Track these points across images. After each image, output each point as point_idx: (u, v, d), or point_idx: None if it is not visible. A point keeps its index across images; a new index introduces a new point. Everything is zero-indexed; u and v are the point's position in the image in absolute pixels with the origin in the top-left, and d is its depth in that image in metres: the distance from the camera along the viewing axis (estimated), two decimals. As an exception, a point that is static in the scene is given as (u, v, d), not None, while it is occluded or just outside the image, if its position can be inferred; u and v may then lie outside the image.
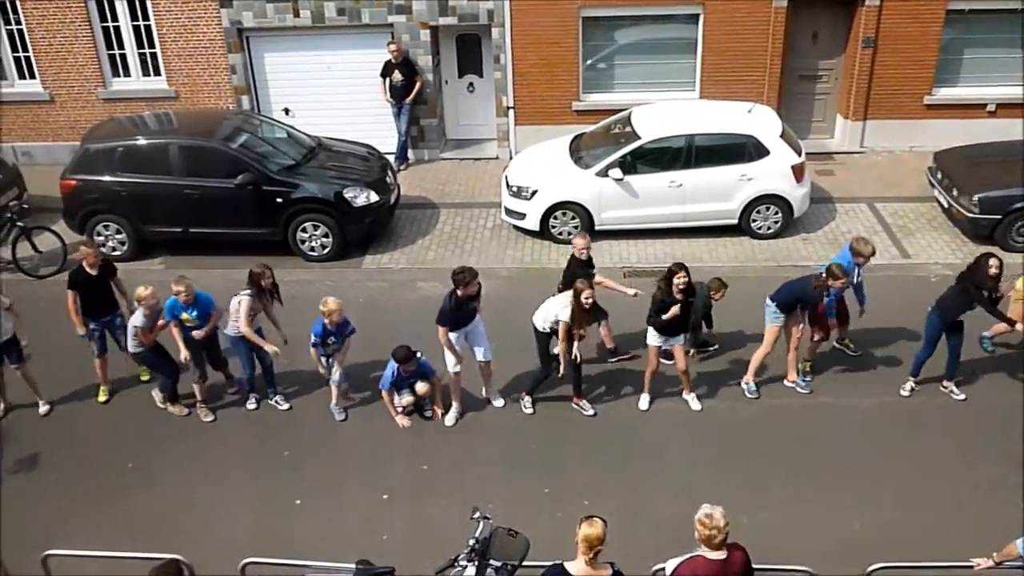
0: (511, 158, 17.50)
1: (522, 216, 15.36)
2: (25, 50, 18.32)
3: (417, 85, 17.74)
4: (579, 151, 15.63)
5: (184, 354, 11.07)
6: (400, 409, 11.31)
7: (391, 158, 17.34)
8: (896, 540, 9.20)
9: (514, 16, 17.36)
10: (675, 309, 10.64)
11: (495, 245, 15.48)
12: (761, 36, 17.30)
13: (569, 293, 10.57)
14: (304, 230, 14.92)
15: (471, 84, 18.82)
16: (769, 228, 15.21)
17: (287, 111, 18.44)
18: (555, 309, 10.74)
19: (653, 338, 11.06)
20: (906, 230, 15.41)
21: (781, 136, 14.99)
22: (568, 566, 6.56)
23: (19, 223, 14.96)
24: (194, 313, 10.97)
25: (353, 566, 7.80)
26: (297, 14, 17.53)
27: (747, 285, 13.00)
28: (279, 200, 14.66)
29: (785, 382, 11.76)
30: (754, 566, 6.69)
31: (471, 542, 7.55)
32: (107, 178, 14.86)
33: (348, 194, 14.78)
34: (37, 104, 18.69)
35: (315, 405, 11.75)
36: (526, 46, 17.59)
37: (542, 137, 16.93)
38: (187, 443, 11.22)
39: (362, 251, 15.39)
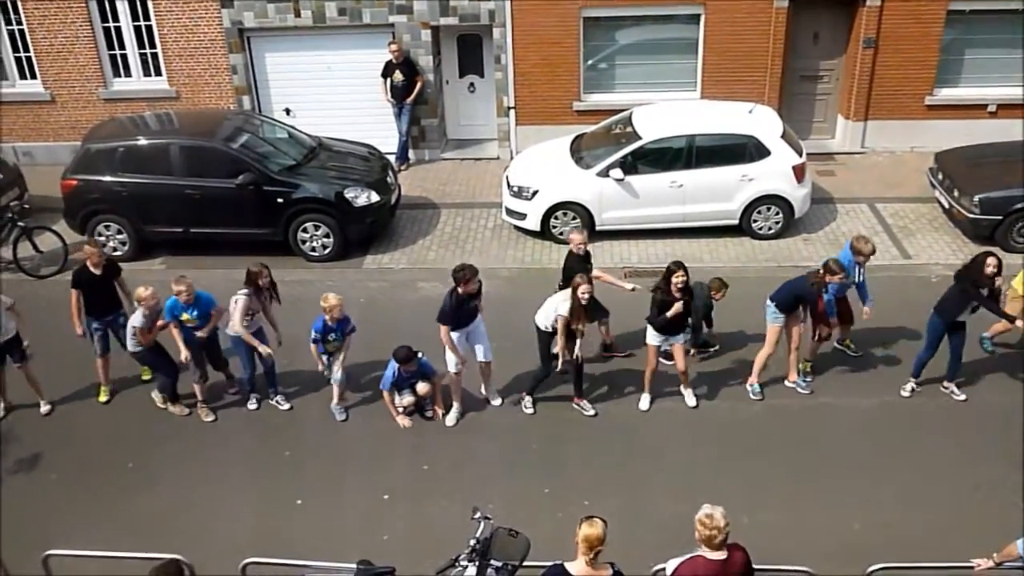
0: (512, 158, 17.50)
1: (523, 216, 15.36)
2: (26, 50, 18.33)
3: (418, 85, 17.74)
4: (580, 151, 15.63)
5: (184, 354, 11.07)
6: (401, 409, 11.32)
7: (392, 158, 17.34)
8: (896, 540, 9.20)
9: (515, 16, 17.36)
10: (678, 306, 10.64)
11: (496, 245, 15.49)
12: (762, 36, 17.30)
13: (569, 290, 10.59)
14: (305, 230, 14.93)
15: (472, 84, 18.82)
16: (770, 228, 15.21)
17: (288, 111, 18.44)
18: (555, 306, 10.75)
19: (653, 338, 11.06)
20: (907, 231, 15.42)
21: (782, 136, 14.99)
22: (568, 566, 6.56)
23: (20, 223, 14.97)
24: (195, 313, 10.97)
25: (354, 566, 7.79)
26: (298, 14, 17.54)
27: (748, 285, 13.00)
28: (280, 200, 14.66)
29: (786, 382, 11.76)
30: (754, 566, 6.69)
31: (472, 542, 7.54)
32: (108, 178, 14.86)
33: (349, 194, 14.79)
34: (38, 104, 18.70)
35: (316, 405, 11.75)
36: (527, 46, 17.60)
37: (543, 137, 16.94)
38: (188, 443, 11.22)
39: (363, 251, 15.40)
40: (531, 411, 11.47)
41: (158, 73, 18.41)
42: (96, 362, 11.82)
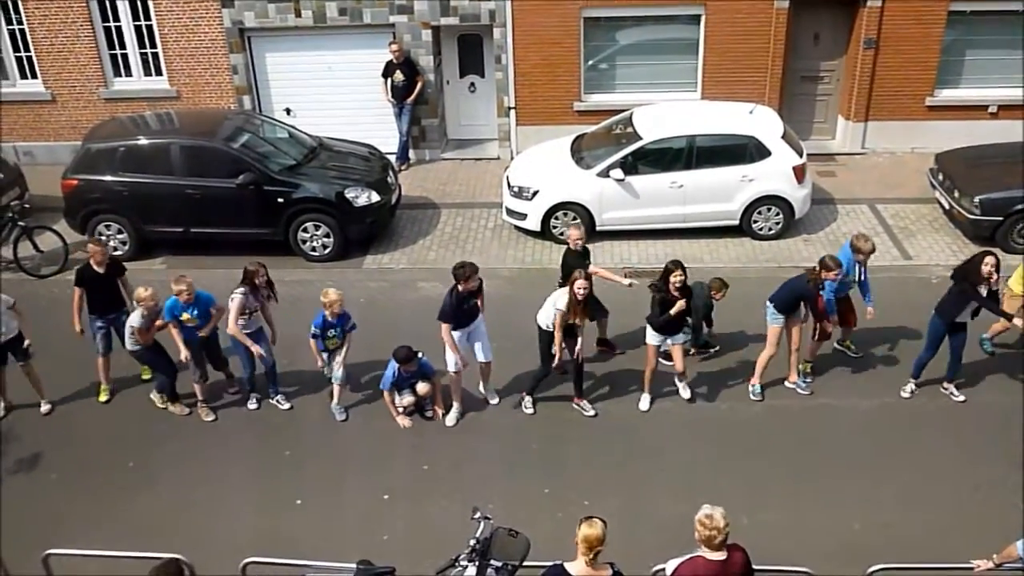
0: (512, 158, 17.50)
1: (523, 216, 15.37)
2: (27, 50, 18.33)
3: (418, 85, 17.74)
4: (580, 151, 15.63)
5: (184, 354, 11.07)
6: (401, 409, 11.32)
7: (392, 158, 17.34)
8: (896, 541, 9.21)
9: (516, 16, 17.37)
10: (681, 304, 10.65)
11: (496, 245, 15.49)
12: (763, 37, 17.30)
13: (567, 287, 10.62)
14: (305, 230, 14.94)
15: (472, 84, 18.83)
16: (770, 229, 15.21)
17: (288, 111, 18.45)
18: (555, 302, 10.76)
19: (652, 337, 11.07)
20: (907, 231, 15.42)
21: (782, 137, 14.99)
22: (568, 566, 6.56)
23: (21, 223, 14.98)
24: (195, 313, 10.97)
25: (354, 566, 7.79)
26: (299, 14, 17.54)
27: (748, 286, 13.00)
28: (280, 200, 14.67)
29: (786, 383, 11.76)
30: (754, 567, 6.69)
31: (472, 542, 7.54)
32: (108, 178, 14.87)
33: (349, 194, 14.79)
34: (39, 104, 18.70)
35: (316, 405, 11.75)
36: (528, 46, 17.60)
37: (543, 137, 16.94)
38: (188, 443, 11.23)
39: (363, 251, 15.40)
40: (531, 411, 11.48)
41: (159, 73, 18.42)
42: (97, 361, 11.83)
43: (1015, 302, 11.59)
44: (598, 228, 15.08)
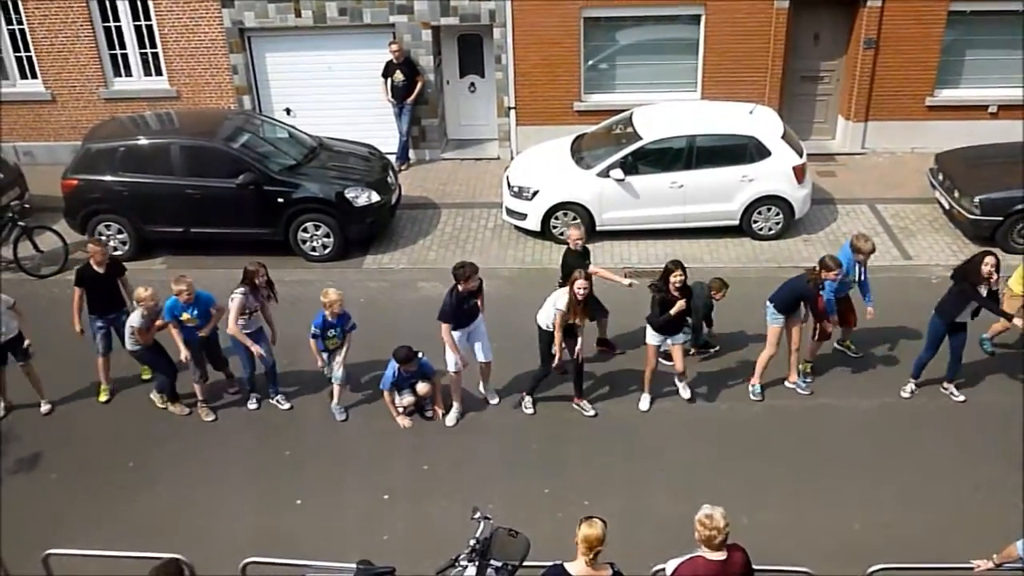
0: (512, 158, 17.49)
1: (523, 216, 15.37)
2: (27, 50, 18.33)
3: (418, 85, 17.75)
4: (580, 151, 15.63)
5: (184, 354, 11.06)
6: (401, 409, 11.32)
7: (392, 158, 17.34)
8: (896, 541, 9.21)
9: (516, 16, 17.37)
10: (681, 303, 10.65)
11: (496, 245, 15.49)
12: (763, 37, 17.30)
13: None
14: (305, 230, 14.94)
15: (472, 84, 18.83)
16: (770, 229, 15.21)
17: (288, 111, 18.45)
18: (554, 302, 10.76)
19: (652, 338, 11.07)
20: (907, 231, 15.42)
21: (782, 137, 14.99)
22: (568, 566, 6.56)
23: (20, 223, 14.98)
24: (195, 312, 10.97)
25: (354, 566, 7.79)
26: (299, 14, 17.54)
27: (748, 286, 13.00)
28: (280, 200, 14.67)
29: (786, 383, 11.76)
30: (754, 567, 6.69)
31: (472, 542, 7.54)
32: (108, 178, 14.86)
33: (349, 194, 14.79)
34: (39, 104, 18.70)
35: (316, 405, 11.75)
36: (528, 46, 17.60)
37: (543, 137, 16.94)
38: (188, 443, 11.23)
39: (363, 251, 15.40)
40: (531, 411, 11.48)
41: (159, 73, 18.42)
42: (97, 360, 11.83)
43: (1015, 302, 11.60)
44: (598, 228, 15.09)
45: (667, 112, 15.85)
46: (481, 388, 11.72)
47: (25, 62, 18.47)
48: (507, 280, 14.23)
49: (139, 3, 17.78)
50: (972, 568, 7.81)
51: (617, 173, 14.72)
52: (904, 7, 16.93)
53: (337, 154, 16.06)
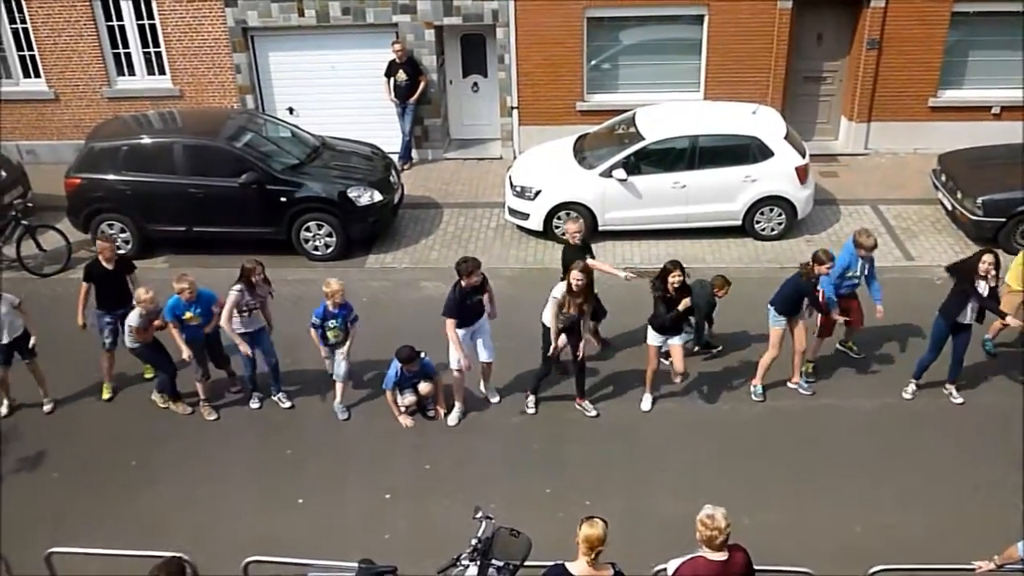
0: (515, 158, 17.50)
1: (526, 216, 15.37)
2: (30, 48, 18.35)
3: (421, 85, 17.75)
4: (583, 151, 15.63)
5: (186, 354, 11.06)
6: (403, 409, 11.33)
7: (395, 158, 17.35)
8: (897, 542, 9.21)
9: (519, 16, 17.37)
10: (686, 301, 10.66)
11: (498, 245, 15.49)
12: (766, 37, 17.30)
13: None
14: (308, 229, 14.95)
15: (475, 84, 18.83)
16: (772, 230, 15.21)
17: (291, 110, 18.47)
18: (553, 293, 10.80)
19: (653, 338, 11.07)
20: (910, 232, 15.41)
21: (785, 138, 14.98)
22: (570, 566, 6.57)
23: (24, 221, 15.00)
24: (197, 311, 10.98)
25: (355, 565, 7.80)
26: (302, 13, 17.55)
27: (750, 286, 12.99)
28: (283, 199, 14.68)
29: (788, 384, 11.76)
30: (755, 567, 6.69)
31: (473, 542, 7.55)
32: (111, 177, 14.88)
33: (352, 193, 14.80)
34: (42, 103, 18.72)
35: (318, 404, 11.77)
36: (530, 46, 17.61)
37: (546, 137, 16.95)
38: (190, 441, 11.24)
39: (366, 250, 15.41)
40: (532, 411, 11.49)
41: (162, 72, 18.43)
42: (102, 356, 11.84)
43: (1014, 298, 11.61)
44: (600, 228, 15.09)
45: (670, 112, 15.85)
46: (482, 387, 11.74)
47: (28, 61, 18.49)
48: (509, 280, 14.23)
49: (142, 2, 17.80)
50: (973, 569, 7.82)
51: (620, 173, 14.72)
52: (907, 8, 16.92)
53: (340, 153, 16.06)
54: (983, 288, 10.56)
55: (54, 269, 14.96)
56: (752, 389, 11.65)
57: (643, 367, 11.49)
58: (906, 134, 17.95)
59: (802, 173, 14.90)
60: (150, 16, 17.90)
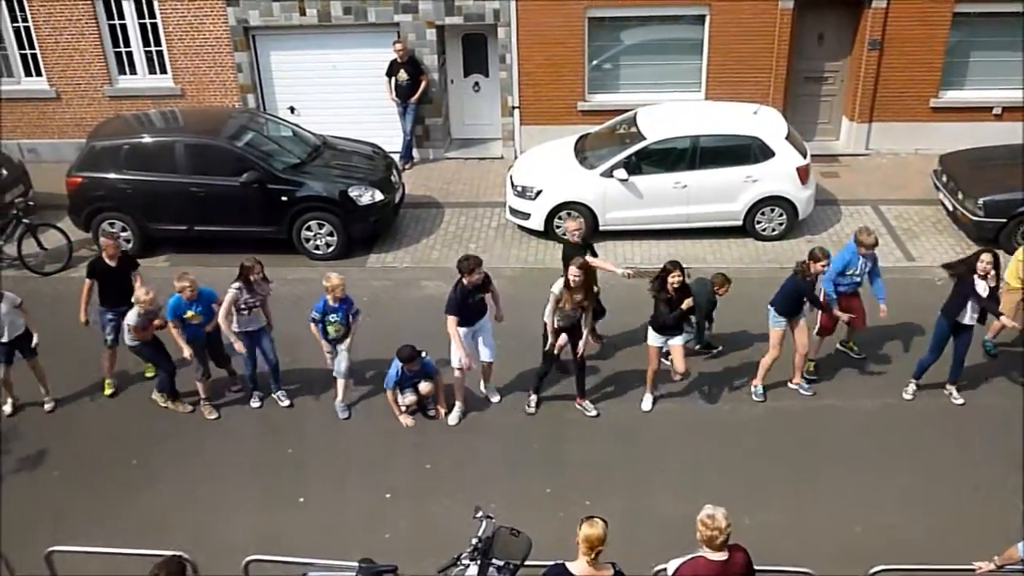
0: (516, 158, 17.51)
1: (527, 216, 15.37)
2: (32, 47, 18.35)
3: (422, 84, 17.75)
4: (584, 151, 15.64)
5: (187, 352, 11.06)
6: (404, 408, 11.33)
7: (396, 157, 17.35)
8: (898, 542, 9.21)
9: (520, 16, 17.38)
10: (689, 301, 10.67)
11: (499, 245, 15.50)
12: (767, 37, 17.29)
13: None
14: (309, 228, 14.95)
15: (476, 84, 18.83)
16: (773, 230, 15.21)
17: (293, 109, 18.48)
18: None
19: (653, 339, 11.07)
20: (911, 233, 15.41)
21: (786, 138, 14.98)
22: (570, 566, 6.57)
23: (25, 220, 15.01)
24: (199, 309, 10.99)
25: (356, 564, 7.80)
26: (303, 13, 17.56)
27: (751, 287, 12.99)
28: (284, 198, 14.68)
29: (789, 384, 11.76)
30: (755, 567, 6.69)
31: (474, 541, 7.56)
32: (113, 176, 14.89)
33: (353, 193, 14.80)
34: (43, 101, 18.73)
35: (318, 403, 11.78)
36: (532, 46, 17.61)
37: (547, 137, 16.95)
38: (190, 440, 11.25)
39: (367, 250, 15.42)
40: (532, 411, 11.49)
41: (163, 71, 18.43)
42: (103, 352, 11.85)
43: (1013, 295, 11.61)
44: (601, 228, 15.09)
45: (671, 112, 15.85)
46: (482, 387, 11.74)
47: (30, 59, 18.49)
48: (510, 280, 14.22)
49: (144, 1, 17.80)
50: (973, 570, 7.82)
51: (621, 173, 14.72)
52: (909, 8, 16.92)
53: (341, 153, 16.07)
54: (982, 288, 10.55)
55: (55, 268, 14.97)
56: (752, 389, 11.65)
57: (643, 367, 11.49)
58: (907, 134, 17.95)
59: (803, 173, 14.90)
60: (151, 15, 17.90)
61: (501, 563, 7.48)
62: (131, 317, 10.91)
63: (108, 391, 12.02)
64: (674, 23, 17.80)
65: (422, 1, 17.36)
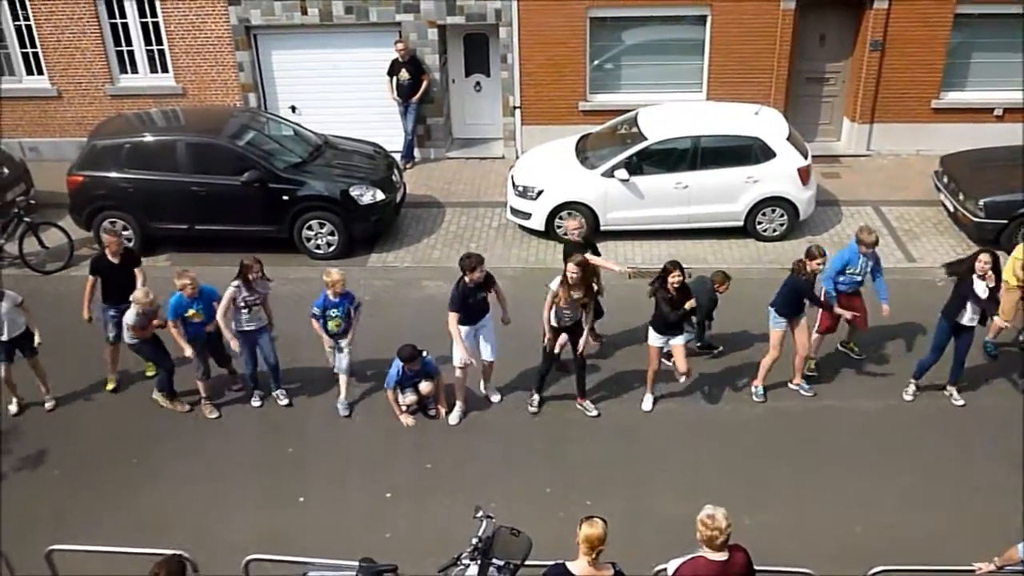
0: (517, 158, 17.51)
1: (528, 216, 15.38)
2: (33, 46, 18.35)
3: (424, 84, 17.75)
4: (585, 151, 15.64)
5: (188, 352, 11.06)
6: (404, 408, 11.33)
7: (397, 156, 17.34)
8: (898, 543, 9.21)
9: (522, 16, 17.38)
10: (692, 301, 10.68)
11: (500, 244, 15.50)
12: (769, 38, 17.29)
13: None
14: (310, 228, 14.96)
15: (478, 83, 18.84)
16: (774, 230, 15.21)
17: (294, 109, 18.48)
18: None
19: (654, 339, 11.07)
20: (911, 234, 15.41)
21: (787, 138, 14.98)
22: (570, 566, 6.57)
23: (26, 219, 15.01)
24: (200, 307, 10.99)
25: (356, 564, 7.80)
26: (305, 12, 17.56)
27: (751, 287, 13.00)
28: (285, 198, 14.68)
29: (789, 385, 11.76)
30: (755, 567, 6.69)
31: (474, 541, 7.56)
32: (114, 174, 14.89)
33: (354, 192, 14.81)
34: (45, 100, 18.73)
35: (319, 403, 11.78)
36: (533, 46, 17.61)
37: (548, 137, 16.95)
38: (191, 439, 11.25)
39: (368, 249, 15.42)
40: (535, 410, 11.49)
41: (165, 70, 18.43)
42: (106, 349, 11.87)
43: (1013, 295, 11.61)
44: (602, 228, 15.09)
45: (672, 113, 15.86)
46: (483, 387, 11.74)
47: (31, 58, 18.49)
48: (511, 280, 14.19)
49: (146, 0, 17.80)
50: (974, 570, 7.83)
51: (622, 173, 14.72)
52: (910, 9, 16.92)
53: (342, 152, 16.07)
54: (981, 289, 10.55)
55: (56, 266, 14.97)
56: (753, 390, 11.66)
57: (644, 367, 11.50)
58: (908, 135, 17.95)
59: (804, 174, 14.90)
60: (153, 14, 17.90)
61: (501, 563, 7.48)
62: (129, 316, 10.92)
63: (110, 386, 12.04)
64: (676, 23, 17.80)
65: (424, 1, 17.36)
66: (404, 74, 17.53)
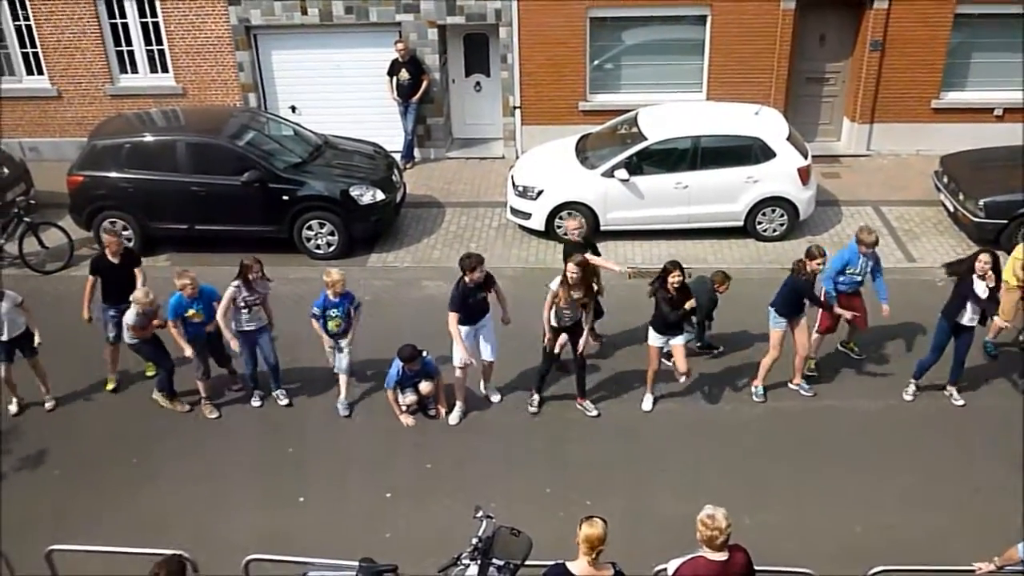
0: (517, 158, 17.51)
1: (528, 216, 15.38)
2: (33, 46, 18.35)
3: (424, 84, 17.75)
4: (585, 151, 15.64)
5: (188, 352, 11.06)
6: (404, 408, 11.33)
7: (397, 156, 17.34)
8: (898, 543, 9.21)
9: (522, 16, 17.38)
10: (692, 301, 10.68)
11: (500, 244, 15.50)
12: (769, 38, 17.29)
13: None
14: (310, 228, 14.95)
15: (478, 83, 18.83)
16: (774, 230, 15.21)
17: (294, 109, 18.48)
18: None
19: (654, 339, 11.07)
20: (911, 234, 15.41)
21: (787, 138, 14.98)
22: (570, 566, 6.57)
23: (26, 219, 15.01)
24: (200, 307, 10.99)
25: (356, 564, 7.80)
26: (305, 12, 17.56)
27: (751, 287, 13.00)
28: (285, 198, 14.68)
29: (789, 385, 11.76)
30: (756, 567, 6.69)
31: (474, 541, 7.56)
32: (114, 174, 14.89)
33: (354, 192, 14.81)
34: (45, 100, 18.73)
35: (319, 403, 11.78)
36: (533, 46, 17.61)
37: (548, 137, 16.95)
38: (190, 439, 11.25)
39: (368, 249, 15.42)
40: (535, 410, 11.49)
41: (165, 70, 18.43)
42: (106, 349, 11.87)
43: (1013, 294, 11.61)
44: (602, 228, 15.09)
45: (672, 113, 15.86)
46: (483, 387, 11.75)
47: (31, 58, 18.49)
48: (511, 280, 14.19)
49: (146, 0, 17.80)
50: (974, 570, 7.83)
51: (622, 173, 14.72)
52: (910, 9, 16.92)
53: (342, 152, 16.07)
54: (981, 289, 10.55)
55: (56, 266, 14.97)
56: (753, 390, 11.66)
57: (643, 367, 11.50)
58: (908, 135, 17.95)
59: (804, 174, 14.90)
60: (153, 14, 17.90)
61: (501, 563, 7.48)
62: (129, 317, 10.92)
63: (110, 386, 12.04)
64: (676, 23, 17.80)
65: (424, 1, 17.36)
66: (404, 74, 17.53)
